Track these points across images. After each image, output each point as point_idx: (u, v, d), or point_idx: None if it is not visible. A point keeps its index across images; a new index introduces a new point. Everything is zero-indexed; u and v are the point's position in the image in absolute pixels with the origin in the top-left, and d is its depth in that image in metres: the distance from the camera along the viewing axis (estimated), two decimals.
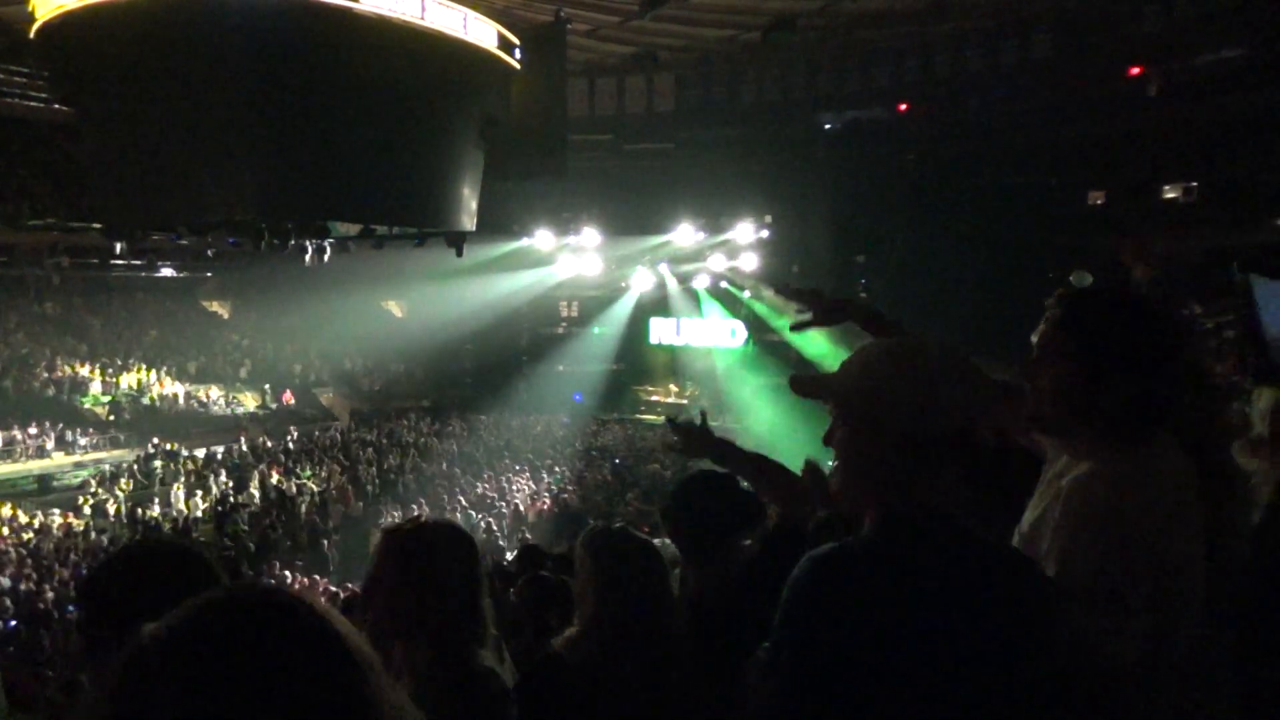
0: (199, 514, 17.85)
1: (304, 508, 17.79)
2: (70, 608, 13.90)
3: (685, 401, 27.38)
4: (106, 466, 19.93)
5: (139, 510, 17.62)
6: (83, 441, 21.04)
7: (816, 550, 1.36)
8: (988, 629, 1.28)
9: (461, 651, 1.80)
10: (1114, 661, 1.45)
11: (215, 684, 0.69)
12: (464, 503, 18.14)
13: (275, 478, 19.62)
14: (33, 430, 20.60)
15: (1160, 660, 1.50)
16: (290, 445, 21.86)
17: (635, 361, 28.23)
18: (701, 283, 27.05)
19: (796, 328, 2.41)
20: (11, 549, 14.87)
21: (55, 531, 16.27)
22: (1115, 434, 1.61)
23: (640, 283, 27.75)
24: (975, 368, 1.43)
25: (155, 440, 20.96)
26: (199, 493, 18.72)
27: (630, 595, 2.04)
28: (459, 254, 17.71)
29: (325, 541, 16.72)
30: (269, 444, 21.82)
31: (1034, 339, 1.72)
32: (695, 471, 2.50)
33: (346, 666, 0.75)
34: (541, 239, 26.12)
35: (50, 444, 20.57)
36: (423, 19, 14.09)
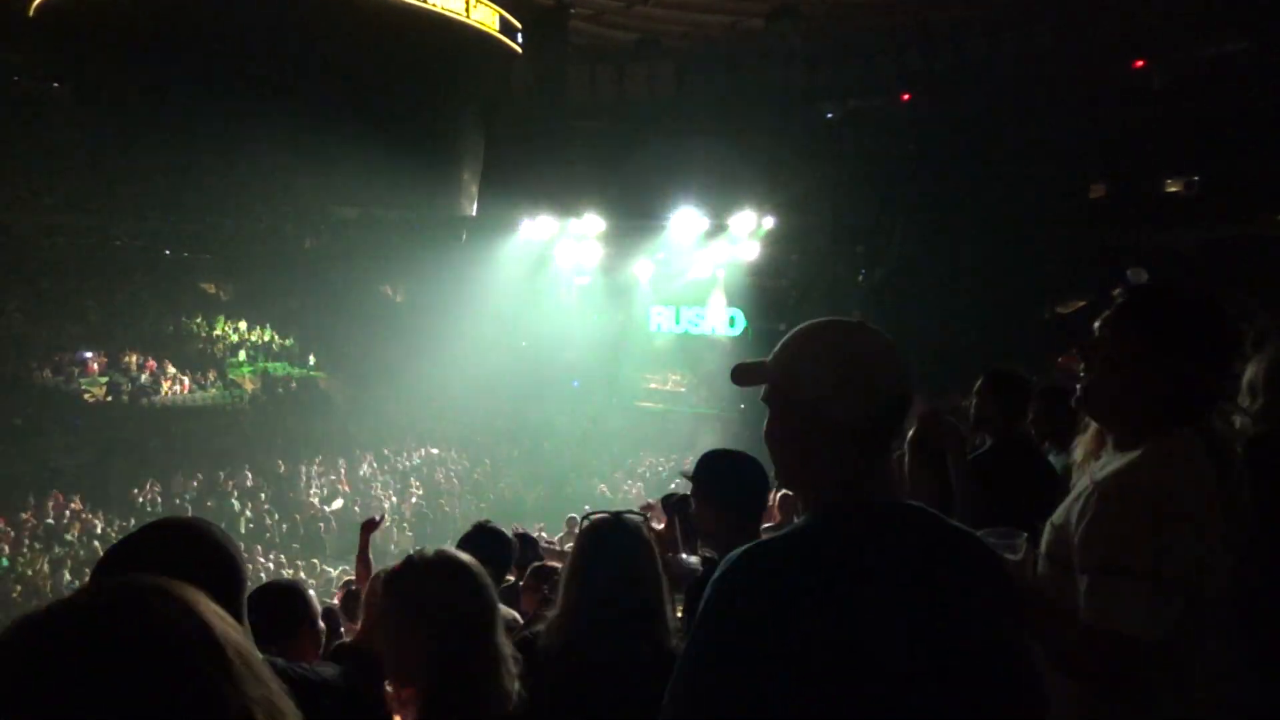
0: None
1: None
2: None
3: (683, 390, 27.36)
4: None
5: None
6: None
7: (749, 543, 1.30)
8: (922, 615, 1.23)
9: (455, 694, 1.66)
10: (1145, 634, 1.52)
11: (43, 683, 0.70)
12: None
13: None
14: None
15: (1188, 639, 1.58)
16: None
17: (634, 349, 28.19)
18: (701, 271, 26.98)
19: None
20: None
21: None
22: (1161, 421, 1.68)
23: (640, 270, 27.68)
24: (897, 351, 1.37)
25: None
26: None
27: (603, 579, 2.03)
28: (460, 237, 17.72)
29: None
30: None
31: (1095, 325, 1.79)
32: (716, 450, 2.51)
33: (192, 665, 0.76)
34: (542, 225, 26.04)
35: None
36: (426, 1, 14.05)
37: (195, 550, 1.46)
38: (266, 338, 27.57)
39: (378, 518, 4.20)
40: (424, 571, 1.73)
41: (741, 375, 1.47)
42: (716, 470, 2.38)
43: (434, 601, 1.68)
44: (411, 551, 1.84)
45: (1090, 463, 1.84)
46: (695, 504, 2.39)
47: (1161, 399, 1.68)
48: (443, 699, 1.65)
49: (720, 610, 1.24)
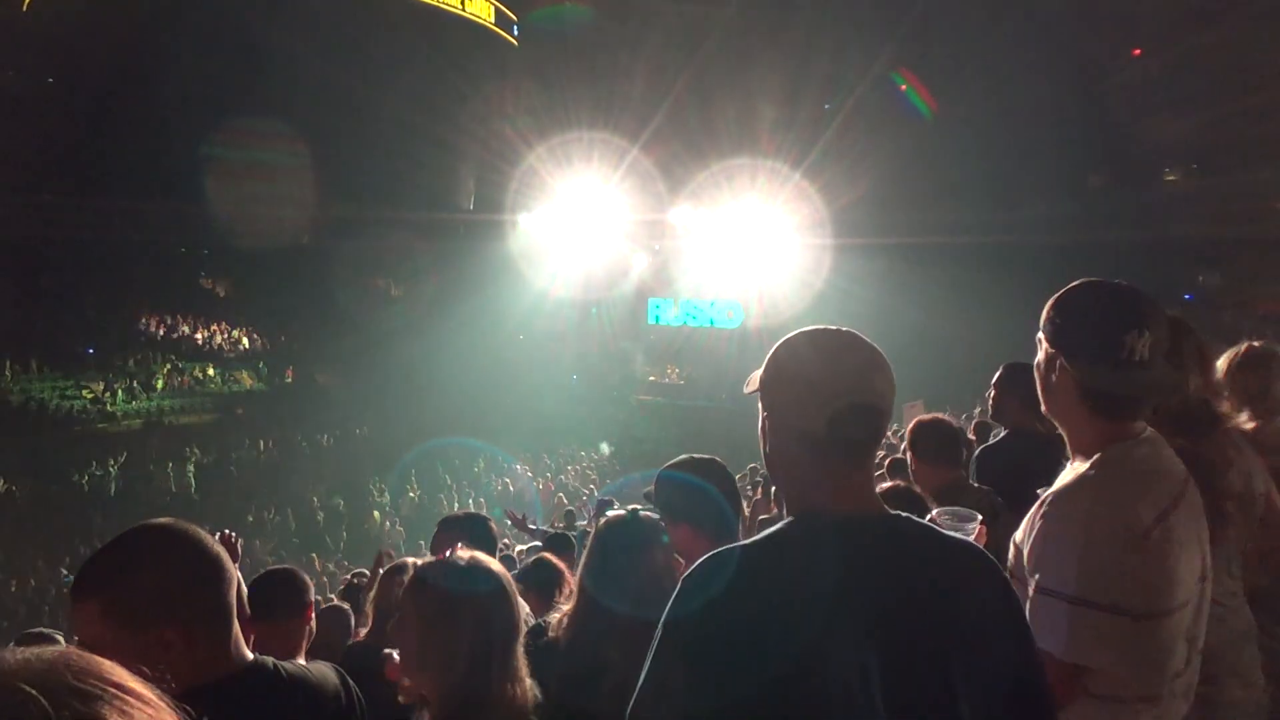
0: None
1: None
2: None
3: (683, 383, 27.35)
4: None
5: None
6: None
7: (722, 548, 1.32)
8: (880, 624, 1.21)
9: (472, 704, 1.64)
10: (1067, 658, 1.48)
11: None
12: None
13: None
14: None
15: (1141, 657, 1.51)
16: None
17: (633, 342, 28.18)
18: (699, 264, 26.98)
19: None
20: None
21: None
22: (1095, 427, 1.61)
23: (638, 263, 27.68)
24: (870, 360, 1.33)
25: None
26: None
27: (617, 576, 2.01)
28: (459, 231, 17.73)
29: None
30: None
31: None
32: (684, 457, 2.46)
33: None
34: (539, 219, 26.02)
35: None
36: None
37: (179, 553, 1.45)
38: (265, 334, 27.55)
39: (391, 551, 4.39)
40: (456, 577, 1.70)
41: (746, 384, 1.49)
42: (683, 492, 2.32)
43: (464, 609, 1.66)
44: (446, 555, 1.79)
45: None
46: (668, 527, 2.31)
47: (1073, 401, 1.61)
48: (459, 707, 1.63)
49: (682, 609, 1.26)
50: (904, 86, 24.02)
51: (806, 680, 1.18)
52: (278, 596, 2.73)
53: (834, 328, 1.38)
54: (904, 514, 1.35)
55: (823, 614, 1.20)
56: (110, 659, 1.34)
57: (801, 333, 1.39)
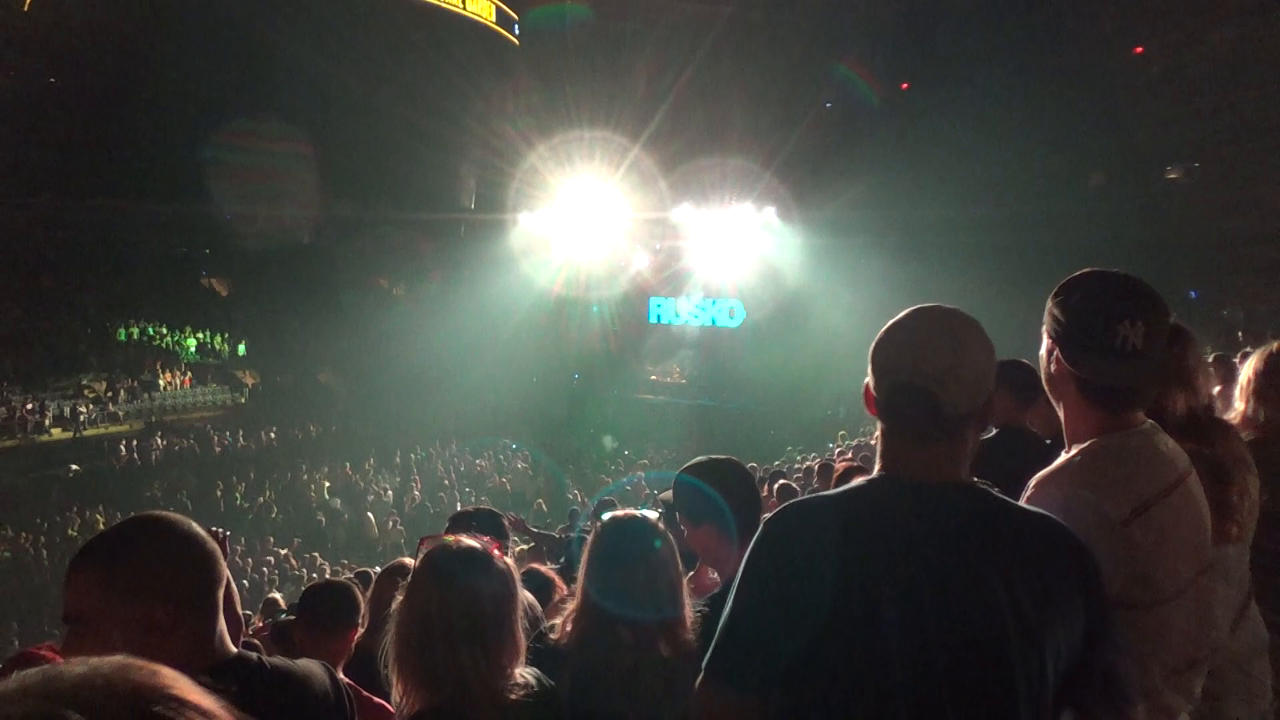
0: None
1: None
2: None
3: (684, 382, 27.33)
4: None
5: None
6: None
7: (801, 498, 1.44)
8: (924, 584, 1.28)
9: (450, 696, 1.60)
10: None
11: None
12: None
13: None
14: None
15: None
16: None
17: (634, 341, 28.15)
18: (700, 263, 26.95)
19: None
20: None
21: None
22: (1093, 415, 1.61)
23: (640, 262, 27.64)
24: (935, 345, 1.36)
25: None
26: None
27: (620, 576, 1.99)
28: (459, 231, 17.74)
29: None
30: None
31: None
32: (702, 458, 2.41)
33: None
34: (540, 218, 26.00)
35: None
36: None
37: (177, 539, 1.46)
38: (266, 333, 27.58)
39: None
40: (444, 565, 1.66)
41: None
42: (702, 494, 2.28)
43: (433, 598, 1.63)
44: (432, 544, 1.75)
45: None
46: (688, 530, 2.28)
47: (1071, 391, 1.62)
48: (410, 689, 1.62)
49: (757, 553, 1.39)
50: (905, 85, 23.96)
51: (858, 641, 1.27)
52: (331, 608, 2.74)
53: (938, 306, 1.44)
54: (981, 484, 1.42)
55: (881, 575, 1.28)
56: (98, 629, 1.37)
57: (913, 308, 1.45)
